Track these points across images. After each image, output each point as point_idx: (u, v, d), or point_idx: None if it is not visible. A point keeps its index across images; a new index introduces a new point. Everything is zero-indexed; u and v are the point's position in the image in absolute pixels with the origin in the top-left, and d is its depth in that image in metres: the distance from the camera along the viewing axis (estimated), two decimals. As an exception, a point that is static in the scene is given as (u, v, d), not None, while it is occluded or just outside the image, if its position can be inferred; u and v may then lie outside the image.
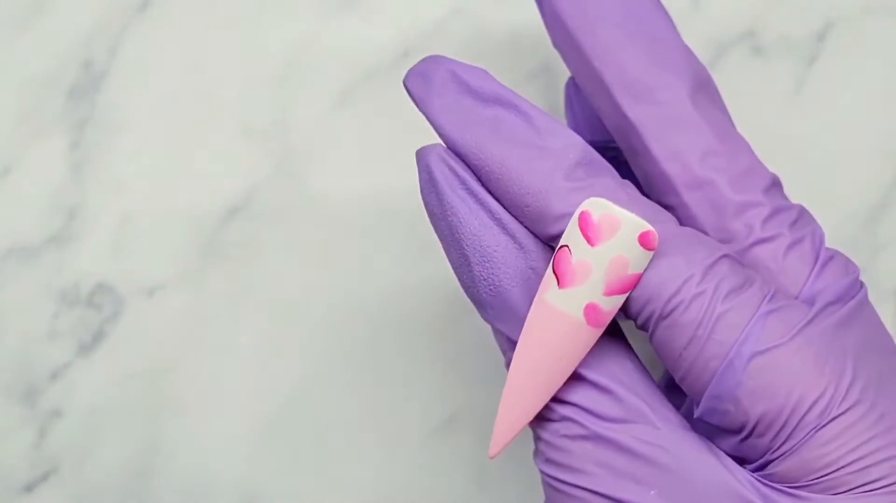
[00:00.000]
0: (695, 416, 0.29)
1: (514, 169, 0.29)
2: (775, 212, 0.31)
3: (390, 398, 0.41)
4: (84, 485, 0.40)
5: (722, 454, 0.29)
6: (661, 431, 0.29)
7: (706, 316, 0.28)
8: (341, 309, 0.40)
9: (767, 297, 0.29)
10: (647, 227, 0.28)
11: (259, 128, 0.40)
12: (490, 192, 0.30)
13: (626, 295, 0.29)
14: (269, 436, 0.41)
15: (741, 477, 0.28)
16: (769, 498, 0.28)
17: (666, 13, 0.33)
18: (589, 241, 0.28)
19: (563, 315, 0.29)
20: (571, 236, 0.28)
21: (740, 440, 0.29)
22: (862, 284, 0.31)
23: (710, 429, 0.29)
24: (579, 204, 0.29)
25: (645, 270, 0.29)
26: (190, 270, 0.40)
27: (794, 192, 0.40)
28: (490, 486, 0.41)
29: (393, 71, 0.40)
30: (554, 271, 0.29)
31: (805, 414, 0.28)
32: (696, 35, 0.40)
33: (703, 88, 0.32)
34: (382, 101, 0.40)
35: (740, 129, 0.41)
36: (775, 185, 0.31)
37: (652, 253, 0.28)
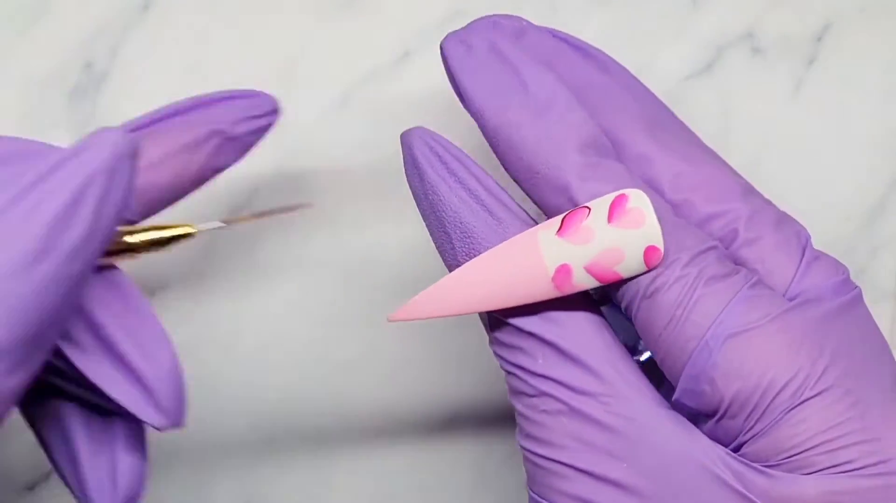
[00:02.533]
0: (673, 399, 0.30)
1: (529, 137, 0.30)
2: (754, 214, 0.31)
3: (390, 398, 0.41)
4: (85, 484, 0.41)
5: (694, 429, 0.29)
6: (635, 405, 0.29)
7: (686, 297, 0.29)
8: (341, 308, 0.40)
9: (749, 284, 0.29)
10: (661, 246, 0.29)
11: (259, 128, 0.40)
12: (501, 155, 0.31)
13: (597, 285, 0.30)
14: (270, 436, 0.41)
15: (711, 451, 0.29)
16: (738, 472, 0.28)
17: (608, 68, 0.34)
18: (609, 216, 0.29)
19: (539, 257, 0.30)
20: (600, 204, 0.29)
21: (716, 421, 0.29)
22: (855, 286, 0.31)
23: (689, 414, 0.30)
24: (587, 178, 0.30)
25: (631, 277, 0.29)
26: (191, 271, 0.40)
27: (795, 192, 0.40)
28: (490, 486, 0.41)
29: (393, 71, 0.40)
30: (563, 217, 0.30)
31: (777, 394, 0.28)
32: (695, 35, 0.40)
33: (658, 125, 0.32)
34: (382, 101, 0.40)
35: (740, 128, 0.41)
36: (749, 191, 0.32)
37: (645, 270, 0.29)
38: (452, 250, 0.31)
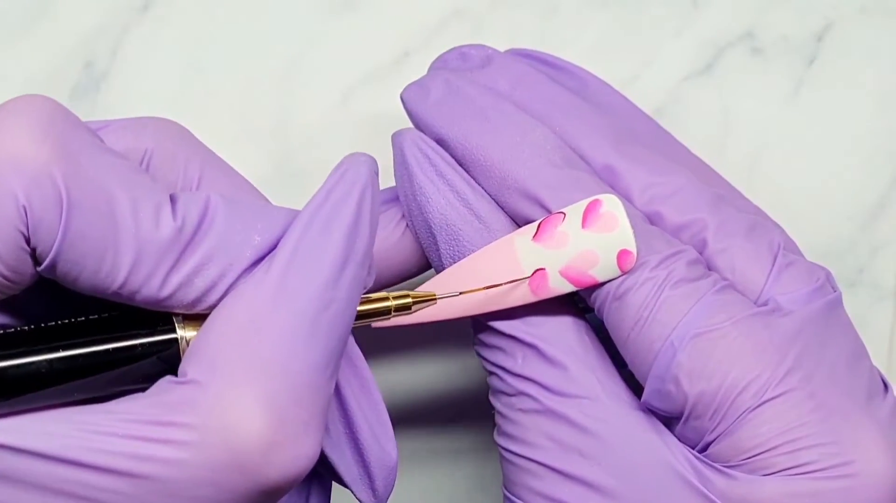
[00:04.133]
0: (642, 400, 0.30)
1: (495, 156, 0.31)
2: (723, 223, 0.32)
3: (390, 399, 0.41)
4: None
5: (664, 431, 0.30)
6: (608, 407, 0.30)
7: (652, 298, 0.30)
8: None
9: (716, 289, 0.30)
10: (633, 250, 0.30)
11: (260, 128, 0.40)
12: (473, 176, 0.32)
13: (573, 289, 0.30)
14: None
15: (679, 453, 0.29)
16: (702, 474, 0.29)
17: (587, 84, 0.35)
18: (583, 221, 0.30)
19: (516, 262, 0.31)
20: (574, 210, 0.30)
21: (683, 422, 0.30)
22: (834, 290, 0.31)
23: (660, 417, 0.30)
24: (558, 188, 0.31)
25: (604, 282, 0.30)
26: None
27: (795, 192, 0.40)
28: (490, 486, 0.41)
29: (393, 71, 0.40)
30: (539, 223, 0.30)
31: (739, 395, 0.29)
32: (695, 35, 0.40)
33: (625, 138, 0.33)
34: (382, 100, 0.40)
35: (740, 128, 0.41)
36: (721, 200, 0.32)
37: (620, 274, 0.30)
38: (437, 252, 0.32)
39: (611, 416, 0.30)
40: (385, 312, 0.30)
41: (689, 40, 0.40)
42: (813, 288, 0.31)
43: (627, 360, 0.31)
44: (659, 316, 0.29)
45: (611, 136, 0.33)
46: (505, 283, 0.30)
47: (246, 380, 0.25)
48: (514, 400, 0.31)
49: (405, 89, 0.34)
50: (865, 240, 0.41)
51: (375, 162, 0.29)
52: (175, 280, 0.26)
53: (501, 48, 0.40)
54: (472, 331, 0.33)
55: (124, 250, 0.25)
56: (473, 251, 0.31)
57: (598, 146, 0.32)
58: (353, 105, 0.40)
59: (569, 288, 0.30)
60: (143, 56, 0.40)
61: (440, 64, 0.35)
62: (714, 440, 0.29)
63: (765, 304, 0.30)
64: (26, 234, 0.25)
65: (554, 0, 0.40)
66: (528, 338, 0.31)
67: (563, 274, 0.30)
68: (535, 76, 0.34)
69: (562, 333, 0.31)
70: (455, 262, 0.31)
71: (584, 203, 0.30)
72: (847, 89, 0.40)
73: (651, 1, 0.40)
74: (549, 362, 0.31)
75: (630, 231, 0.30)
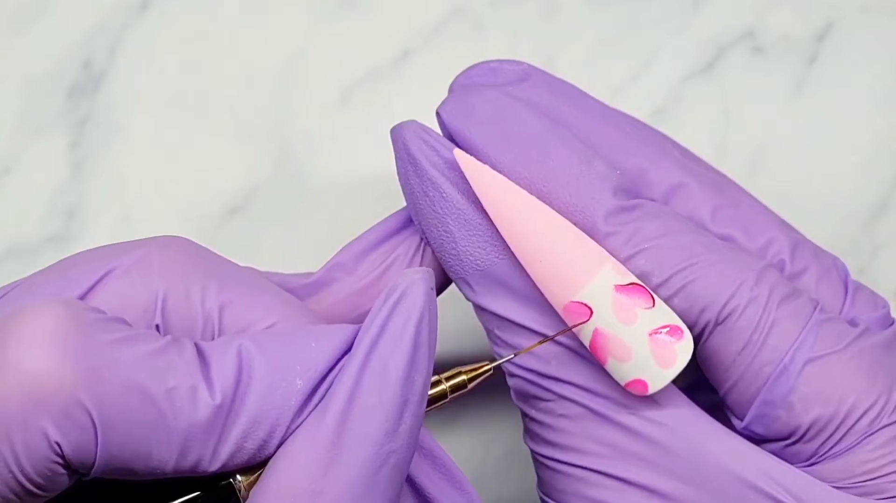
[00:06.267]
0: (741, 427, 0.29)
1: (558, 190, 0.30)
2: (797, 245, 0.31)
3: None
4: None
5: (731, 434, 0.29)
6: (665, 411, 0.29)
7: (761, 321, 0.29)
8: (341, 309, 0.40)
9: (818, 308, 0.29)
10: (651, 390, 0.28)
11: (259, 128, 0.40)
12: None
13: (586, 351, 0.29)
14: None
15: (754, 458, 0.28)
16: (783, 485, 0.28)
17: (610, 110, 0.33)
18: (654, 330, 0.28)
19: (585, 279, 0.28)
20: (663, 312, 0.28)
21: (785, 446, 0.29)
22: (893, 320, 0.31)
23: (752, 437, 0.29)
24: (626, 222, 0.29)
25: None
26: (190, 270, 0.40)
27: (795, 192, 0.40)
28: (490, 486, 0.41)
29: (393, 71, 0.40)
30: (636, 283, 0.29)
31: (857, 421, 0.28)
32: (696, 34, 0.40)
33: (684, 155, 0.32)
34: (382, 100, 0.40)
35: (740, 128, 0.41)
36: (784, 222, 0.32)
37: (620, 382, 0.28)
38: (455, 249, 0.30)
39: (669, 420, 0.29)
40: (441, 397, 0.28)
41: (689, 40, 0.40)
42: (885, 313, 0.30)
43: (725, 388, 0.29)
44: (770, 340, 0.28)
45: (671, 153, 0.31)
46: (563, 332, 0.29)
47: None
48: (552, 405, 0.30)
49: (442, 106, 0.32)
50: (866, 239, 0.41)
51: (432, 276, 0.27)
52: (225, 451, 0.25)
53: (501, 48, 0.40)
54: (488, 331, 0.31)
55: (168, 443, 0.25)
56: (496, 245, 0.30)
57: (665, 164, 0.31)
58: (353, 104, 0.40)
59: (584, 344, 0.29)
60: (142, 55, 0.40)
61: (465, 80, 0.32)
62: (819, 462, 0.29)
63: (854, 325, 0.30)
64: (62, 463, 0.24)
65: (554, 0, 0.40)
66: (560, 338, 0.29)
67: (595, 333, 0.28)
68: (577, 93, 0.32)
69: None
70: (477, 259, 0.30)
71: (674, 318, 0.28)
72: (848, 89, 0.40)
73: (651, 1, 0.40)
74: (592, 365, 0.29)
75: (668, 382, 0.28)
